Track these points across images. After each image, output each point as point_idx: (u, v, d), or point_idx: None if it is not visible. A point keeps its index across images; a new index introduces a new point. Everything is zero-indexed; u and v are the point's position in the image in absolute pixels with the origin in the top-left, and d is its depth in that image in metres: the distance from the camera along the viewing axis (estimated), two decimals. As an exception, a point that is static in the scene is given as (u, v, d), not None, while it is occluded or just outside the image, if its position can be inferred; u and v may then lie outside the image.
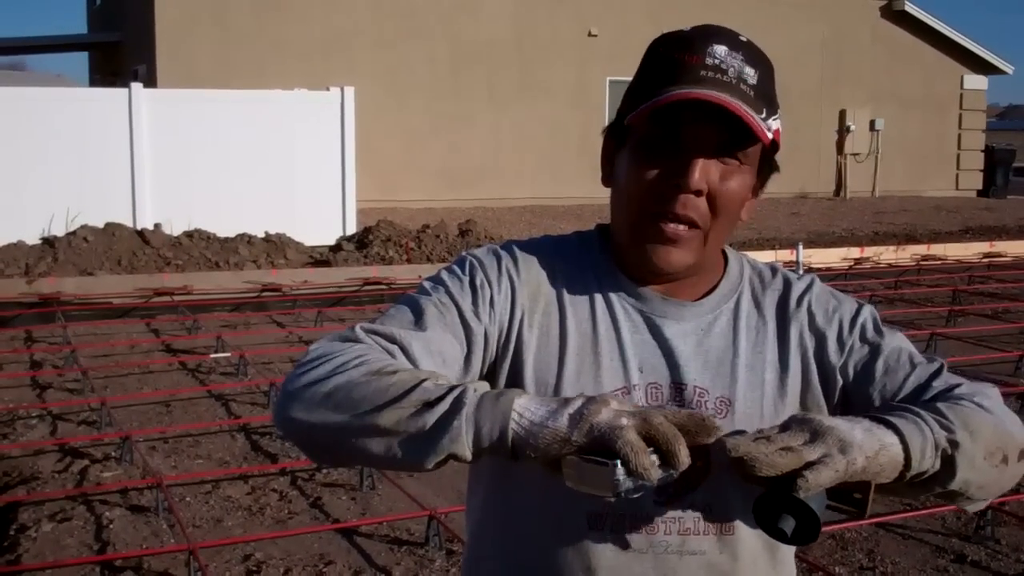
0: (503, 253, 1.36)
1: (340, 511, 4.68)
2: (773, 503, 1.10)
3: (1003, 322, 9.15)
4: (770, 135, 1.25)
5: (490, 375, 1.31)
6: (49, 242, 10.87)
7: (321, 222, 12.58)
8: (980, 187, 22.54)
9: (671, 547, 1.27)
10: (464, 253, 1.37)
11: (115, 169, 12.03)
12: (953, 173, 22.41)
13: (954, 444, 1.17)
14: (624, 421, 1.05)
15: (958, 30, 22.09)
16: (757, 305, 1.37)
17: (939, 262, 12.64)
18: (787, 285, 1.39)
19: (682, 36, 1.27)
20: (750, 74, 1.24)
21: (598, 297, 1.34)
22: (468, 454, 1.09)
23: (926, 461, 1.16)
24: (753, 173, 1.30)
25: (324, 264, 11.17)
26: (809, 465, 1.07)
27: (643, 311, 1.33)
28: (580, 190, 17.11)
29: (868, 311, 1.37)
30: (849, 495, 1.14)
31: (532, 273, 1.34)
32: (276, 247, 11.42)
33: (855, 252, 12.80)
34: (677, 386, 1.30)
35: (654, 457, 1.04)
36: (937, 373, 1.31)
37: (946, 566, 4.15)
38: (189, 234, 11.41)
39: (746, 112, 1.21)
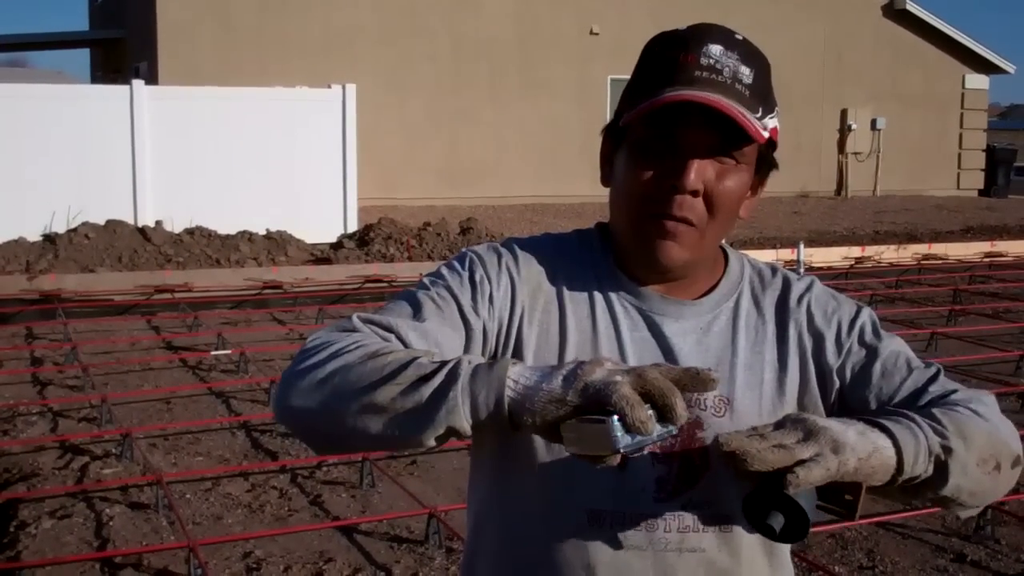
0: (503, 250, 1.36)
1: (340, 509, 4.68)
2: (763, 500, 1.11)
3: (1004, 322, 9.14)
4: (766, 134, 1.26)
5: None
6: (50, 239, 10.88)
7: (322, 219, 12.59)
8: (981, 187, 22.53)
9: (670, 544, 1.27)
10: (464, 250, 1.37)
11: (116, 166, 12.04)
12: (954, 172, 22.39)
13: (947, 450, 1.18)
14: (618, 378, 1.05)
15: (960, 29, 22.08)
16: (757, 305, 1.37)
17: (940, 261, 12.63)
18: (787, 285, 1.39)
19: (677, 35, 1.28)
20: (745, 73, 1.25)
21: (598, 295, 1.34)
22: (466, 425, 1.09)
23: (919, 466, 1.16)
24: (751, 171, 1.30)
25: (325, 261, 11.18)
26: (801, 463, 1.08)
27: (642, 309, 1.33)
28: (581, 188, 17.11)
29: (867, 314, 1.38)
30: (840, 496, 1.15)
31: (532, 271, 1.35)
32: (277, 244, 11.42)
33: (856, 251, 12.80)
34: (677, 384, 1.30)
35: (651, 412, 1.04)
36: (934, 378, 1.31)
37: (946, 566, 4.15)
38: (190, 231, 11.41)
39: (739, 113, 1.21)
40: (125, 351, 7.86)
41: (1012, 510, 4.61)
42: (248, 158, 12.48)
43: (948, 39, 21.89)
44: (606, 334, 1.32)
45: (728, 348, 1.33)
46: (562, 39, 18.69)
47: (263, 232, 11.62)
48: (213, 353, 7.49)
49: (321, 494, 4.85)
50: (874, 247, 13.02)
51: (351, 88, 12.94)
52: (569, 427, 1.06)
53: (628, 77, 1.33)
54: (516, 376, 1.09)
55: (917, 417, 1.20)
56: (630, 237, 1.31)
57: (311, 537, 4.33)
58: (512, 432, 1.11)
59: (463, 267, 1.33)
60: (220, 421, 6.03)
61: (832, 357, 1.33)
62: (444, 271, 1.34)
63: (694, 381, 1.07)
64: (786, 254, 11.09)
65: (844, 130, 21.20)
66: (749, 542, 1.30)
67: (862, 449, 1.12)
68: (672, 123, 1.24)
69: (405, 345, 1.22)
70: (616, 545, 1.27)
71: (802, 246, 10.58)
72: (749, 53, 1.26)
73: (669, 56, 1.25)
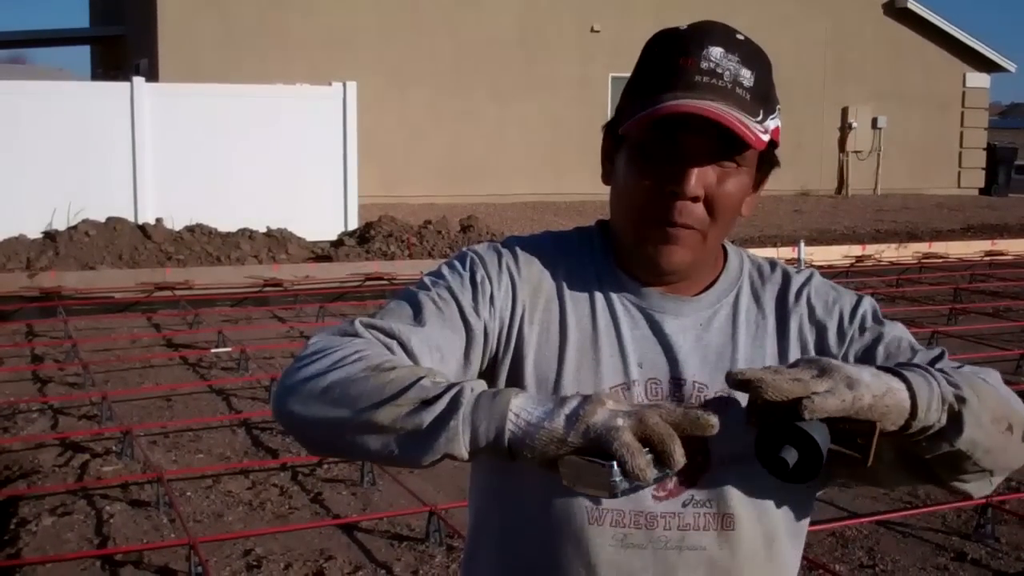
0: (504, 250, 1.36)
1: (341, 506, 4.68)
2: (777, 435, 1.10)
3: (1004, 320, 9.14)
4: (766, 137, 1.26)
5: (490, 371, 1.31)
6: (50, 236, 10.88)
7: (323, 217, 12.58)
8: (982, 185, 22.51)
9: (671, 543, 1.27)
10: (465, 249, 1.37)
11: (117, 164, 12.03)
12: (955, 171, 22.38)
13: (961, 400, 1.18)
14: (619, 422, 1.05)
15: (961, 28, 22.06)
16: (756, 299, 1.37)
17: (940, 260, 12.63)
18: (786, 279, 1.39)
19: (678, 36, 1.27)
20: (746, 76, 1.24)
21: (598, 293, 1.34)
22: (465, 454, 1.10)
23: (932, 413, 1.16)
24: (751, 172, 1.30)
25: (326, 259, 11.18)
26: (816, 394, 1.09)
27: (642, 307, 1.33)
28: (582, 186, 17.10)
29: (868, 302, 1.38)
30: (853, 440, 1.14)
31: (533, 270, 1.34)
32: (278, 242, 11.42)
33: (857, 250, 12.80)
34: (676, 381, 1.30)
35: (649, 457, 1.05)
36: (939, 358, 1.31)
37: (946, 564, 4.15)
38: (191, 229, 11.41)
39: (738, 124, 1.21)
40: (125, 348, 7.86)
41: (1012, 508, 4.61)
42: (249, 156, 12.47)
43: (949, 37, 21.87)
44: (606, 332, 1.31)
45: (728, 344, 1.33)
46: (563, 37, 18.68)
47: (264, 230, 11.62)
48: (214, 351, 7.49)
49: (322, 492, 4.85)
50: (875, 246, 13.02)
51: (352, 85, 12.94)
52: (568, 463, 1.07)
53: (629, 75, 1.33)
54: (518, 409, 1.09)
55: (931, 368, 1.21)
56: (631, 240, 1.31)
57: (312, 535, 4.33)
58: (509, 461, 1.11)
59: (464, 267, 1.33)
60: (221, 419, 6.04)
61: (835, 346, 1.34)
62: (445, 271, 1.33)
63: (694, 425, 1.07)
64: (787, 252, 11.08)
65: (845, 128, 21.19)
66: (749, 540, 1.29)
67: (876, 387, 1.13)
68: (672, 129, 1.23)
69: (407, 351, 1.21)
70: (616, 544, 1.27)
71: (803, 244, 10.58)
72: (750, 54, 1.26)
73: (669, 59, 1.25)
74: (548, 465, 1.09)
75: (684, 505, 1.27)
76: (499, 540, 1.35)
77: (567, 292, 1.33)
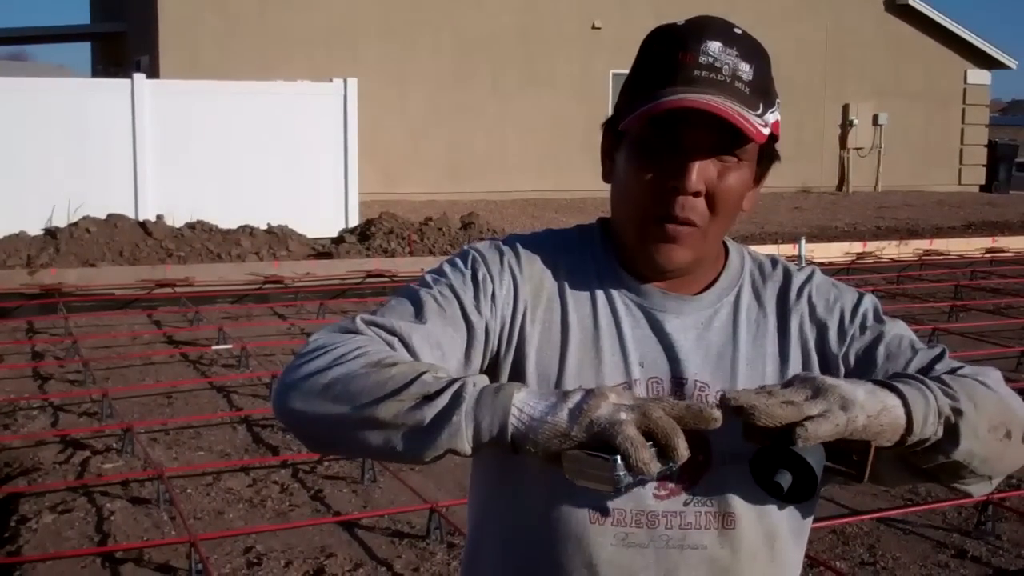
0: (505, 248, 1.35)
1: (341, 504, 4.68)
2: (772, 458, 1.10)
3: (1005, 318, 9.14)
4: (766, 131, 1.25)
5: (491, 370, 1.30)
6: (51, 233, 10.87)
7: (323, 214, 12.58)
8: (983, 182, 22.49)
9: (672, 541, 1.27)
10: (466, 247, 1.37)
11: (117, 160, 12.02)
12: (956, 168, 22.36)
13: (957, 412, 1.17)
14: (623, 416, 1.05)
15: (962, 24, 22.03)
16: (757, 297, 1.37)
17: (941, 257, 12.63)
18: (787, 276, 1.39)
19: (676, 31, 1.26)
20: (745, 70, 1.24)
21: (599, 292, 1.33)
22: (467, 449, 1.10)
23: (928, 427, 1.16)
24: (752, 167, 1.30)
25: (326, 256, 11.17)
26: (809, 419, 1.08)
27: (644, 306, 1.33)
28: (583, 183, 17.08)
29: (869, 300, 1.37)
30: (849, 457, 1.14)
31: (535, 268, 1.34)
32: (278, 239, 11.41)
33: (857, 247, 12.80)
34: (678, 380, 1.30)
35: (653, 451, 1.05)
36: (939, 357, 1.31)
37: (947, 561, 4.15)
38: (191, 225, 11.41)
39: (738, 117, 1.21)
40: (126, 345, 7.86)
41: (1013, 506, 4.61)
42: (249, 152, 12.46)
43: (950, 34, 21.85)
44: (608, 331, 1.31)
45: (729, 343, 1.32)
46: (564, 34, 18.66)
47: (264, 226, 11.61)
48: (214, 348, 7.49)
49: (322, 489, 4.84)
50: (875, 243, 13.01)
51: (352, 82, 12.93)
52: (571, 458, 1.07)
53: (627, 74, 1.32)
54: (521, 404, 1.09)
55: (927, 380, 1.20)
56: (632, 237, 1.31)
57: (312, 532, 4.33)
58: (512, 455, 1.11)
59: (466, 265, 1.32)
60: (221, 416, 6.04)
61: (836, 345, 1.33)
62: (446, 268, 1.33)
63: (697, 419, 1.07)
64: (787, 249, 11.08)
65: (846, 125, 21.17)
66: (750, 538, 1.29)
67: (871, 407, 1.12)
68: (672, 124, 1.23)
69: (408, 348, 1.21)
70: (617, 543, 1.27)
71: (803, 241, 10.58)
72: (749, 48, 1.25)
73: (668, 54, 1.24)
74: (551, 460, 1.09)
75: (685, 504, 1.27)
76: (500, 539, 1.35)
77: (568, 290, 1.33)
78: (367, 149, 14.28)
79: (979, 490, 1.28)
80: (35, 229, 11.05)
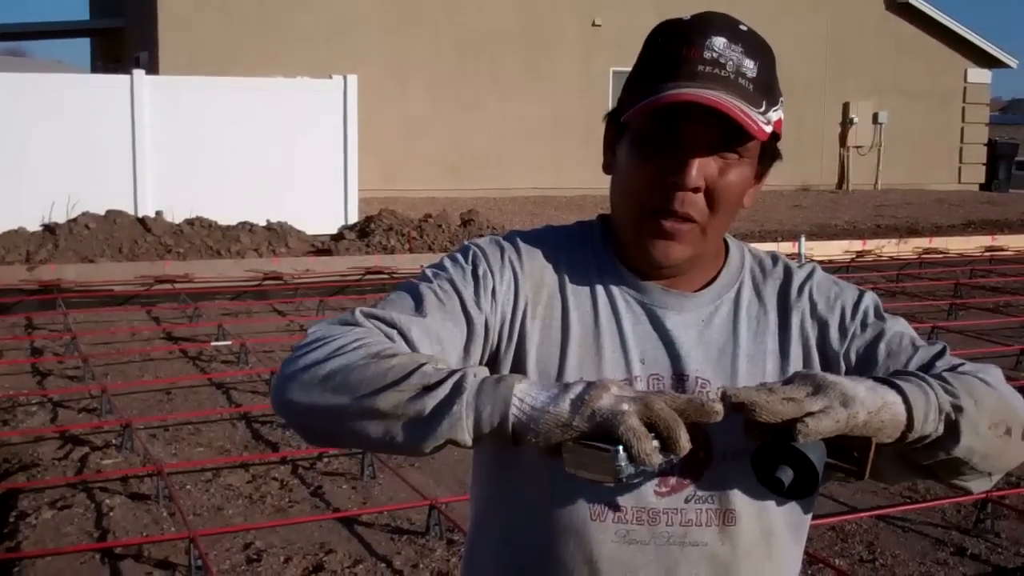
0: (506, 244, 1.35)
1: (341, 500, 4.68)
2: (772, 454, 1.11)
3: (1004, 316, 9.14)
4: (769, 128, 1.25)
5: (491, 366, 1.30)
6: (50, 229, 10.87)
7: (323, 210, 12.57)
8: (983, 181, 22.49)
9: (673, 538, 1.27)
10: (467, 242, 1.36)
11: (116, 156, 12.02)
12: (956, 167, 22.36)
13: (958, 409, 1.17)
14: (625, 407, 1.05)
15: (962, 23, 22.06)
16: (758, 294, 1.36)
17: (941, 256, 12.63)
18: (788, 274, 1.39)
19: (681, 26, 1.26)
20: (749, 66, 1.23)
21: (599, 288, 1.33)
22: (468, 439, 1.10)
23: (929, 424, 1.16)
24: (753, 164, 1.29)
25: (326, 253, 11.17)
26: (810, 415, 1.08)
27: (644, 302, 1.33)
28: (583, 181, 17.08)
29: (870, 297, 1.37)
30: (849, 453, 1.14)
31: (535, 264, 1.34)
32: (278, 235, 11.41)
33: (857, 245, 12.80)
34: (679, 377, 1.30)
35: (655, 442, 1.05)
36: (940, 355, 1.31)
37: (946, 559, 4.16)
38: (190, 222, 11.40)
39: (740, 114, 1.20)
40: (125, 341, 7.86)
41: (1012, 503, 4.61)
42: (249, 148, 12.46)
43: (950, 33, 21.84)
44: (608, 328, 1.31)
45: (730, 339, 1.32)
46: (564, 31, 18.65)
47: (264, 223, 11.61)
48: (213, 344, 7.49)
49: (322, 485, 4.84)
50: (875, 241, 13.02)
51: (352, 78, 12.92)
52: (572, 449, 1.07)
53: (630, 69, 1.32)
54: (522, 395, 1.09)
55: (927, 377, 1.20)
56: (631, 233, 1.30)
57: (312, 528, 4.33)
58: (513, 446, 1.11)
59: (466, 260, 1.32)
60: (220, 412, 6.03)
61: (837, 343, 1.33)
62: (447, 264, 1.33)
63: (698, 412, 1.08)
64: (787, 247, 11.08)
65: (846, 123, 21.17)
66: (749, 535, 1.29)
67: (872, 403, 1.12)
68: (674, 118, 1.22)
69: (407, 340, 1.21)
70: (618, 539, 1.27)
71: (803, 239, 10.58)
72: (754, 45, 1.25)
73: (672, 48, 1.24)
74: (551, 451, 1.09)
75: (687, 501, 1.27)
76: (500, 536, 1.35)
77: (569, 286, 1.33)
78: (367, 145, 14.27)
79: (978, 487, 1.28)
80: (34, 225, 11.04)
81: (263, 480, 4.91)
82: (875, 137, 21.36)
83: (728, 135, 1.23)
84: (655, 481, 1.26)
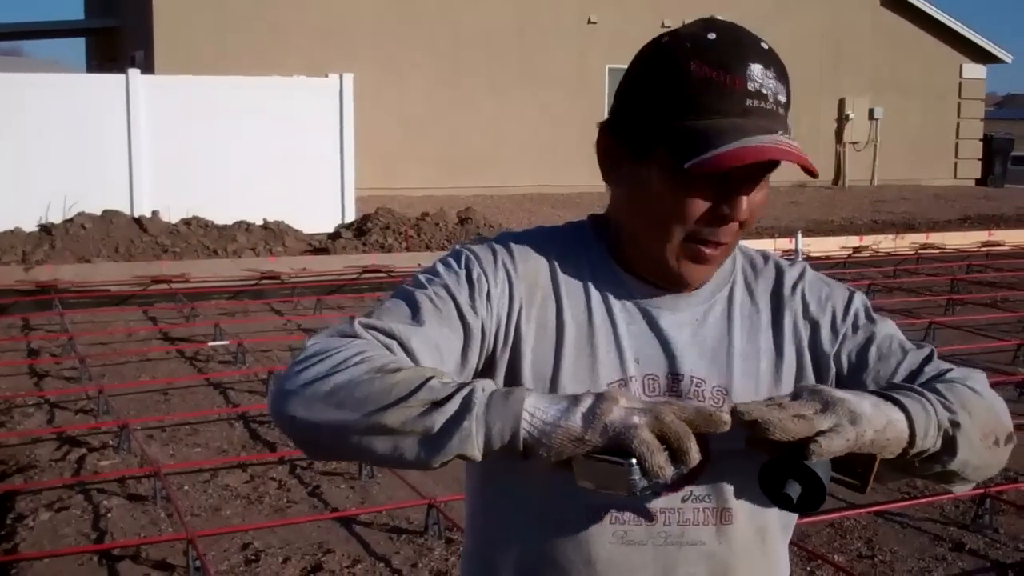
0: (498, 246, 1.33)
1: (339, 500, 4.67)
2: (781, 469, 1.12)
3: (1001, 311, 9.15)
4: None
5: (487, 369, 1.29)
6: (46, 229, 10.85)
7: (320, 209, 12.56)
8: (979, 176, 22.52)
9: (671, 538, 1.27)
10: (458, 246, 1.35)
11: (113, 156, 12.00)
12: (952, 162, 22.39)
13: (955, 424, 1.19)
14: (636, 419, 1.05)
15: (957, 19, 22.06)
16: (750, 293, 1.37)
17: (937, 251, 12.64)
18: (780, 273, 1.39)
19: (712, 49, 1.22)
20: (783, 92, 1.23)
21: (593, 289, 1.32)
22: (478, 455, 1.09)
23: (928, 440, 1.18)
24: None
25: (323, 252, 11.16)
26: (820, 433, 1.10)
27: (638, 302, 1.32)
28: (580, 178, 17.04)
29: (860, 299, 1.38)
30: (852, 468, 1.16)
31: (528, 266, 1.32)
32: (274, 235, 11.40)
33: (854, 241, 12.80)
34: (674, 376, 1.30)
35: (666, 454, 1.05)
36: (928, 359, 1.32)
37: (944, 554, 4.16)
38: (187, 221, 11.39)
39: (810, 162, 1.21)
40: (122, 342, 7.85)
41: (1010, 499, 4.61)
42: (245, 148, 12.44)
43: (946, 28, 21.86)
44: (602, 328, 1.30)
45: (724, 338, 1.32)
46: (560, 29, 18.64)
47: (260, 222, 11.59)
48: (210, 344, 7.48)
49: (320, 485, 4.84)
50: (872, 237, 13.02)
51: (348, 77, 12.90)
52: (583, 463, 1.07)
53: (626, 66, 1.29)
54: (532, 409, 1.08)
55: (925, 392, 1.21)
56: (658, 251, 1.28)
57: (310, 528, 4.32)
58: (521, 460, 1.10)
59: (459, 264, 1.30)
60: (218, 412, 6.03)
61: (828, 344, 1.34)
62: (440, 269, 1.31)
63: (707, 422, 1.08)
64: (784, 244, 11.08)
65: (842, 119, 21.18)
66: (744, 533, 1.30)
67: (877, 421, 1.13)
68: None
69: (407, 351, 1.19)
70: (616, 540, 1.27)
71: (800, 236, 10.58)
72: (779, 68, 1.24)
73: (711, 78, 1.20)
74: (561, 464, 1.09)
75: (684, 500, 1.27)
76: (498, 539, 1.34)
77: (563, 288, 1.32)
78: (363, 144, 14.26)
79: (961, 489, 1.31)
80: (30, 225, 11.02)
81: (261, 480, 4.90)
82: (871, 133, 21.37)
83: (770, 167, 1.23)
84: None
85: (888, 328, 1.35)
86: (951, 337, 7.85)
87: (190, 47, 16.00)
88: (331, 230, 12.09)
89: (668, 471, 1.04)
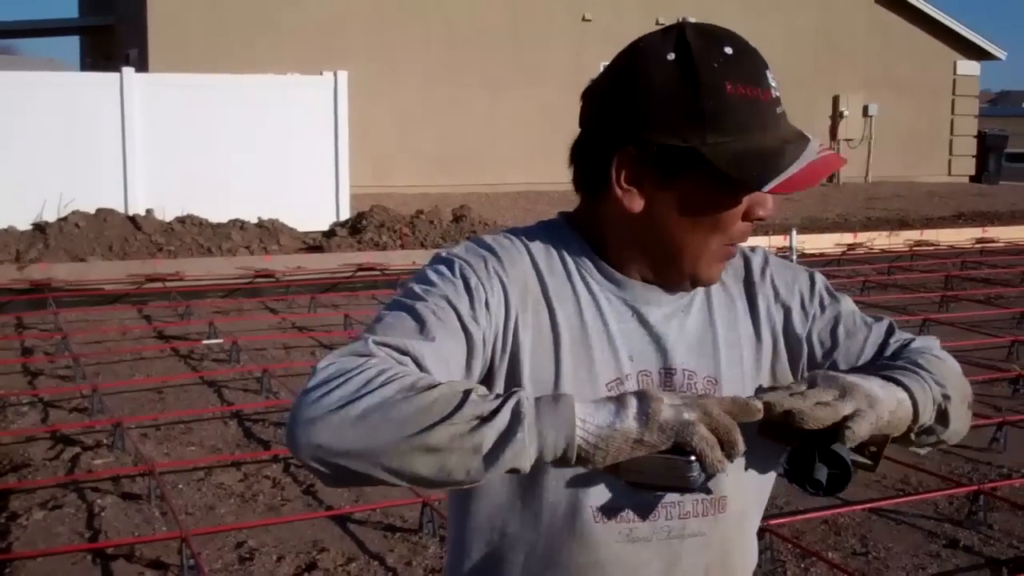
0: (485, 253, 1.30)
1: (333, 498, 4.67)
2: (809, 455, 1.17)
3: (995, 307, 9.16)
4: None
5: (487, 378, 1.27)
6: (40, 228, 10.83)
7: (314, 207, 12.54)
8: (973, 173, 22.56)
9: (672, 532, 1.29)
10: (445, 254, 1.31)
11: (107, 154, 11.97)
12: (946, 159, 22.42)
13: (947, 398, 1.27)
14: (687, 415, 1.08)
15: (951, 15, 22.09)
16: (722, 282, 1.38)
17: (932, 248, 12.66)
18: (746, 260, 1.41)
19: (738, 64, 1.22)
20: (779, 89, 1.27)
21: (581, 288, 1.32)
22: (529, 466, 1.07)
23: (927, 415, 1.25)
24: None
25: (317, 250, 11.15)
26: (847, 419, 1.15)
27: (626, 299, 1.32)
28: (574, 176, 17.06)
29: (820, 279, 1.43)
30: (865, 449, 1.21)
31: (517, 271, 1.30)
32: (269, 233, 11.39)
33: (848, 238, 12.82)
34: (667, 371, 1.31)
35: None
36: (891, 331, 1.38)
37: (938, 551, 4.16)
38: (181, 220, 11.37)
39: (843, 163, 1.29)
40: (116, 340, 7.83)
41: (1004, 495, 4.62)
42: (239, 146, 12.42)
43: (940, 25, 21.88)
44: (595, 328, 1.30)
45: (708, 328, 1.34)
46: (555, 26, 18.63)
47: (255, 220, 11.57)
48: (205, 342, 7.47)
49: (314, 483, 4.83)
50: (866, 234, 13.04)
51: (343, 75, 12.89)
52: (637, 462, 1.09)
53: (644, 88, 1.23)
54: (583, 415, 1.08)
55: (918, 370, 1.26)
56: (692, 263, 1.29)
57: (304, 527, 4.32)
58: (565, 467, 1.10)
59: (454, 274, 1.26)
60: (212, 411, 6.02)
61: (800, 326, 1.37)
62: (435, 278, 1.26)
63: (743, 412, 1.11)
64: (778, 241, 11.08)
65: (836, 116, 21.19)
66: (732, 520, 1.33)
67: (889, 402, 1.20)
68: None
69: (421, 368, 1.15)
70: (622, 539, 1.27)
71: (794, 233, 10.57)
72: (768, 64, 1.27)
73: (746, 95, 1.21)
74: (611, 468, 1.10)
75: (683, 493, 1.27)
76: (500, 541, 1.33)
77: (551, 290, 1.30)
78: (358, 142, 14.24)
79: (926, 451, 1.37)
80: (24, 224, 11.00)
81: (255, 479, 4.89)
82: (865, 130, 21.39)
83: None
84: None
85: (849, 304, 1.41)
86: (945, 334, 7.86)
87: (184, 45, 15.97)
88: (326, 228, 12.07)
89: (726, 464, 1.07)
